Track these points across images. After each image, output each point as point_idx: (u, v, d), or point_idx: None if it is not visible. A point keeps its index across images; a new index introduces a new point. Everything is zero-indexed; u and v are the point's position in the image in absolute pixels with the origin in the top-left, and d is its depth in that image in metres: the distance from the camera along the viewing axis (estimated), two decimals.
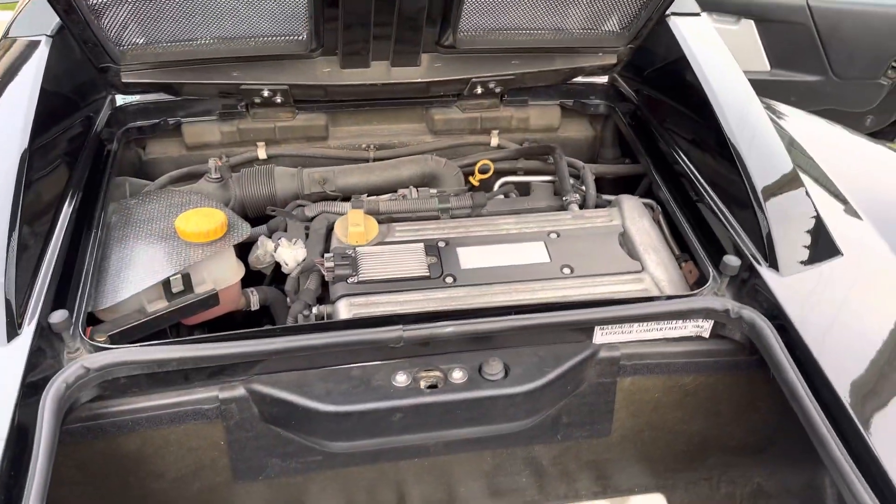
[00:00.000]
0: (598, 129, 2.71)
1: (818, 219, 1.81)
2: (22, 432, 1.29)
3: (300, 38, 2.04)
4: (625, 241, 2.04)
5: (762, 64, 4.45)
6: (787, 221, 1.78)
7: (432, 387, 1.56)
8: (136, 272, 1.80)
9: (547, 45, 2.26)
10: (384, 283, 1.86)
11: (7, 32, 2.29)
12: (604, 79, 2.66)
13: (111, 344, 1.66)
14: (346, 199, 2.30)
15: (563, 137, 2.67)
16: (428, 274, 1.88)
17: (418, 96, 2.48)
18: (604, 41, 2.26)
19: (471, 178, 2.53)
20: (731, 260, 1.71)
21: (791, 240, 1.75)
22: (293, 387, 1.54)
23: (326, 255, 1.89)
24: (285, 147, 2.50)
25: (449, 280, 1.88)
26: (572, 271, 1.93)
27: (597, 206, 2.28)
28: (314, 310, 1.85)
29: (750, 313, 1.60)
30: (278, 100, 2.32)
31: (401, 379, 1.55)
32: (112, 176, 2.18)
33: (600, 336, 1.66)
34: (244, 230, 1.94)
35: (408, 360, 1.60)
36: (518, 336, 1.63)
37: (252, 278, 2.09)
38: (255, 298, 2.05)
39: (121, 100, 2.42)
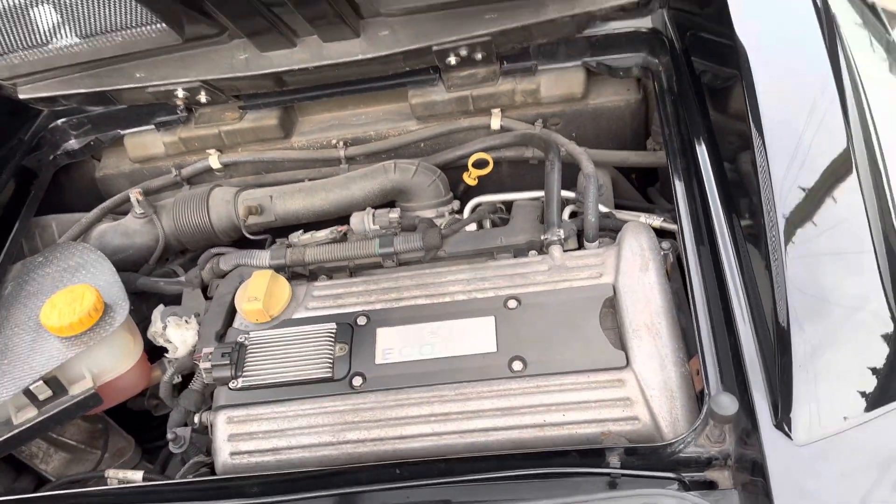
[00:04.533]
0: (648, 89, 1.97)
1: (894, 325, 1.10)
2: None
3: (161, 27, 1.58)
4: (613, 310, 1.44)
5: None
6: (827, 329, 1.11)
7: None
8: None
9: None
10: (273, 390, 1.45)
11: None
12: (648, 19, 1.89)
13: None
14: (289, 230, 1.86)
15: (594, 107, 1.98)
16: (330, 375, 1.44)
17: (383, 76, 1.91)
18: None
19: (465, 177, 1.96)
20: (723, 404, 1.09)
21: (827, 371, 1.08)
22: None
23: (206, 350, 1.50)
24: (241, 152, 2.07)
25: (356, 382, 1.43)
26: (524, 368, 1.38)
27: (612, 230, 1.65)
28: (197, 418, 1.50)
29: None
30: (203, 99, 1.89)
31: None
32: (30, 215, 1.92)
33: None
34: (120, 313, 1.58)
35: None
36: None
37: None
38: (172, 370, 1.72)
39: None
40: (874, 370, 1.09)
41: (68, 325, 1.53)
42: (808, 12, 1.50)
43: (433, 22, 1.70)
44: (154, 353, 1.74)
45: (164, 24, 1.59)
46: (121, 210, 2.06)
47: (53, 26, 1.63)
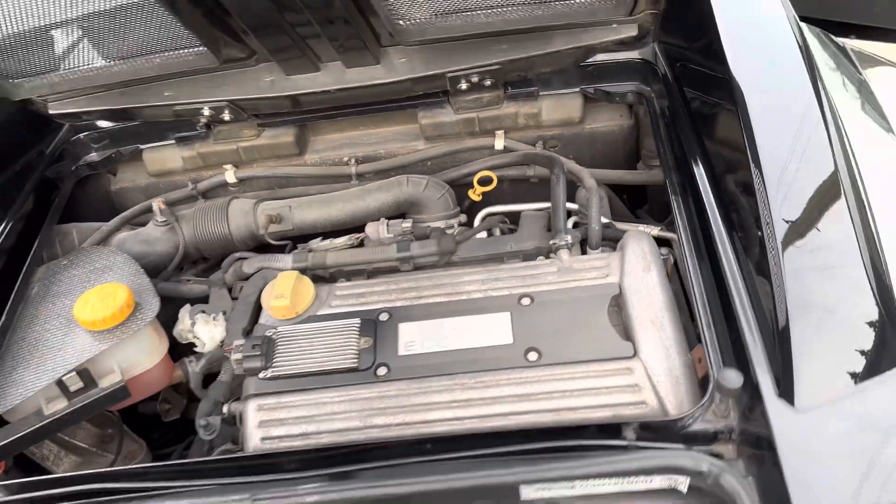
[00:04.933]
0: (639, 114, 2.13)
1: (882, 315, 1.23)
2: None
3: (200, 50, 1.69)
4: (620, 307, 1.56)
5: None
6: (822, 318, 1.24)
7: None
8: (30, 370, 1.60)
9: (532, 25, 1.74)
10: (303, 379, 1.53)
11: None
12: (642, 51, 2.06)
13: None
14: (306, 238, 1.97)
15: (589, 131, 2.13)
16: (356, 365, 1.53)
17: (396, 98, 2.04)
18: (602, 10, 1.70)
19: (471, 193, 2.09)
20: (729, 378, 1.21)
21: (824, 350, 1.20)
22: None
23: (237, 342, 1.58)
24: (257, 168, 2.17)
25: (381, 372, 1.52)
26: (539, 358, 1.49)
27: (611, 240, 1.78)
28: (226, 408, 1.57)
29: (731, 482, 1.12)
30: (226, 117, 1.99)
31: None
32: (53, 223, 2.00)
33: (529, 492, 1.24)
34: (151, 310, 1.66)
35: None
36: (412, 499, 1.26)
37: None
38: (195, 368, 1.79)
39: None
40: (865, 348, 1.21)
41: (101, 320, 1.60)
42: (793, 47, 1.66)
43: (448, 51, 1.85)
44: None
45: (204, 48, 1.70)
46: (137, 221, 2.14)
47: (96, 47, 1.73)
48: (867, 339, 1.23)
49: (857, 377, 1.18)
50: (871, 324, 1.25)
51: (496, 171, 2.07)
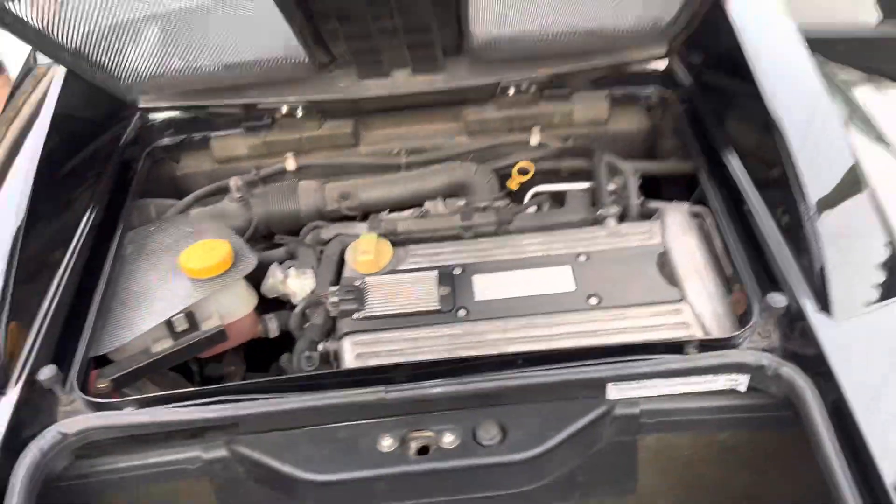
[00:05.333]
0: (656, 118, 2.43)
1: (892, 245, 1.51)
2: None
3: (302, 60, 1.91)
4: (665, 262, 1.81)
5: (867, 13, 3.33)
6: (847, 248, 1.51)
7: (421, 452, 1.43)
8: (139, 313, 1.76)
9: (585, 49, 2.04)
10: (392, 319, 1.74)
11: (34, 59, 2.31)
12: (663, 62, 2.37)
13: (114, 388, 1.66)
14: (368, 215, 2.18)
15: (613, 131, 2.41)
16: (439, 307, 1.74)
17: (447, 99, 2.30)
18: (644, 38, 2.00)
19: (509, 182, 2.34)
20: (775, 299, 1.47)
21: (851, 273, 1.47)
22: (276, 449, 1.45)
23: (332, 288, 1.79)
24: (315, 156, 2.39)
25: (461, 313, 1.73)
26: (599, 302, 1.73)
27: (643, 216, 2.05)
28: (320, 347, 1.76)
29: (790, 372, 1.36)
30: (300, 113, 2.22)
31: (386, 443, 1.43)
32: (133, 199, 2.17)
33: (614, 392, 1.47)
34: (250, 262, 1.86)
35: (398, 418, 1.47)
36: (517, 394, 1.47)
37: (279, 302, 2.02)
38: (272, 325, 1.97)
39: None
40: (880, 278, 1.49)
41: (206, 268, 1.79)
42: (805, 58, 1.94)
43: (503, 63, 2.12)
44: None
45: (307, 58, 1.91)
46: (202, 203, 2.33)
47: (208, 55, 1.90)
48: (882, 270, 1.50)
49: (878, 298, 1.45)
50: (881, 256, 1.52)
51: (533, 163, 2.33)
